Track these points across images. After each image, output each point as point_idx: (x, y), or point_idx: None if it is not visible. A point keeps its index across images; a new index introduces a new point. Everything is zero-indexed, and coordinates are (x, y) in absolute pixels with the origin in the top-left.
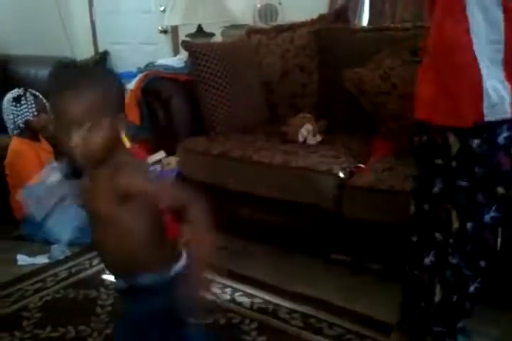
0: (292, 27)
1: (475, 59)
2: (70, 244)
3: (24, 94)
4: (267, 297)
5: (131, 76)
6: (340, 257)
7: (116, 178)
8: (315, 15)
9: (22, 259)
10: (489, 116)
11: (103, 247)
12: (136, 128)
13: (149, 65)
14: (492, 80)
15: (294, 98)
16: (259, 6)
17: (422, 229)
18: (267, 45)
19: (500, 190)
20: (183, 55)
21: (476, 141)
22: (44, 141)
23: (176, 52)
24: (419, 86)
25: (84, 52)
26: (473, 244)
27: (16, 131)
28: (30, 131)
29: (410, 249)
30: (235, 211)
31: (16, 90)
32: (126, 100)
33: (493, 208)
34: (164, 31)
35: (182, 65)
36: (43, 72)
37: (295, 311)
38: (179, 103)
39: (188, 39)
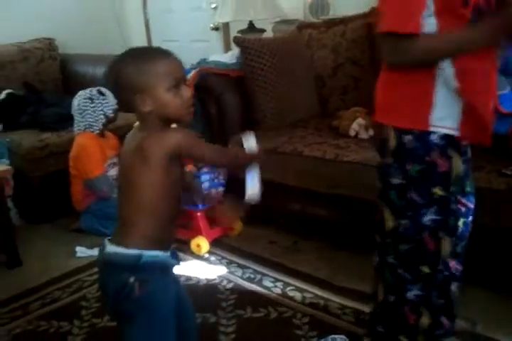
0: (344, 21)
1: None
2: None
3: (99, 90)
4: (318, 292)
5: None
6: None
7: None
8: (367, 9)
9: (81, 251)
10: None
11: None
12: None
13: (201, 62)
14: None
15: (346, 92)
16: (310, 0)
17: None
18: (318, 39)
19: (438, 191)
20: (235, 51)
21: (408, 137)
22: (111, 136)
23: (227, 49)
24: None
25: None
26: (409, 245)
27: (99, 125)
28: (109, 124)
29: None
30: (285, 206)
31: (90, 89)
32: None
33: (432, 210)
34: (216, 28)
35: (234, 61)
36: (100, 71)
37: (346, 307)
38: (231, 98)
39: (239, 35)
